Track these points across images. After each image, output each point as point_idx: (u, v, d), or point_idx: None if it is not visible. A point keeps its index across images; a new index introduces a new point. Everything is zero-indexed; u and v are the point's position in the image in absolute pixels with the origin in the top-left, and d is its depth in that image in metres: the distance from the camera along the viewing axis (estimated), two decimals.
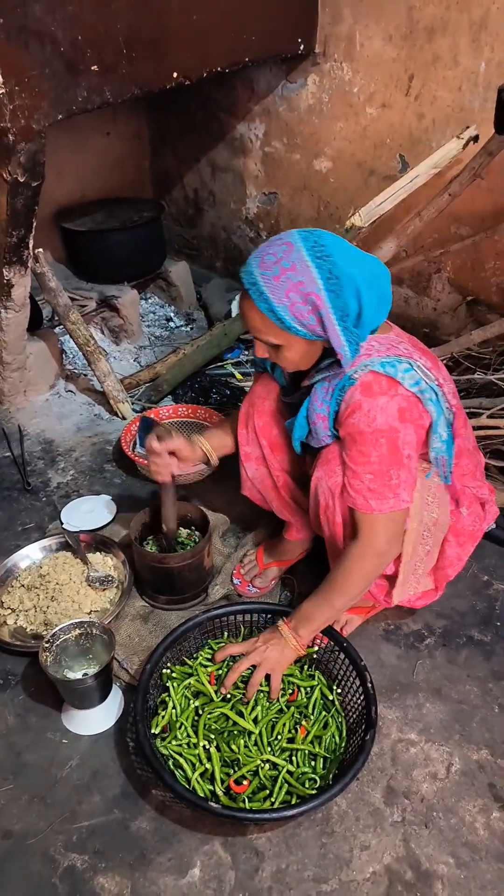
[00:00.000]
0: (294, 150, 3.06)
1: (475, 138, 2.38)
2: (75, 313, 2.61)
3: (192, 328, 3.46)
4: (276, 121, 3.06)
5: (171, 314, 3.51)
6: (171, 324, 3.47)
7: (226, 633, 1.72)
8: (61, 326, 2.99)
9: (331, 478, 1.50)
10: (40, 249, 2.40)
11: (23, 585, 1.92)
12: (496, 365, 2.43)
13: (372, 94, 2.65)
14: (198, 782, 1.41)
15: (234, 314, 3.11)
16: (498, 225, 2.47)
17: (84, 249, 3.19)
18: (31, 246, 2.19)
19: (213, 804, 1.33)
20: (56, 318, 3.00)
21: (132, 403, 2.79)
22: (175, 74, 2.21)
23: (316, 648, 1.67)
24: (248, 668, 1.56)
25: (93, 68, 1.94)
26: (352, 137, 2.80)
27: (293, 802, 1.38)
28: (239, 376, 2.89)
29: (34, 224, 2.11)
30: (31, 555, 2.01)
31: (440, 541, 1.62)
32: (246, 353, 3.03)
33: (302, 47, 2.66)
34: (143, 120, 3.64)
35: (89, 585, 1.90)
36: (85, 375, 3.01)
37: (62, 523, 2.18)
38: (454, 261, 2.72)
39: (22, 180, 1.92)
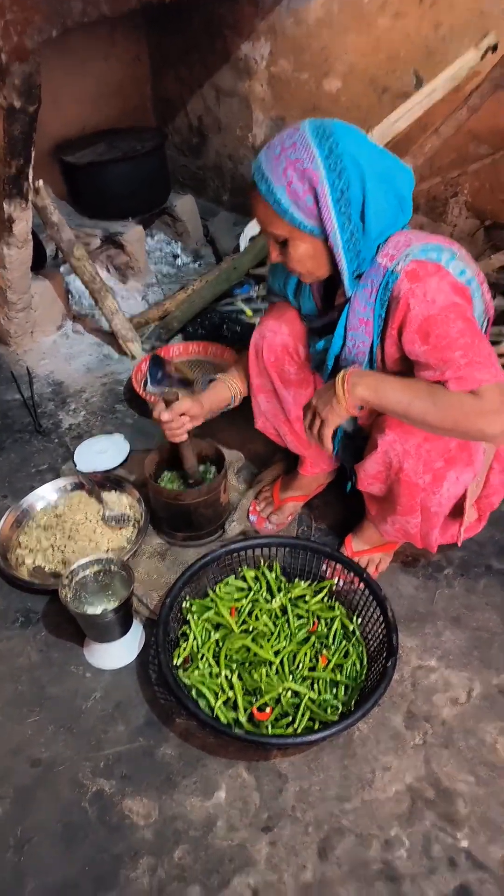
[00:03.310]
0: (302, 68, 2.91)
1: (494, 47, 2.24)
2: (80, 248, 2.53)
3: (199, 264, 3.37)
4: (283, 38, 2.90)
5: (178, 250, 3.41)
6: (179, 260, 3.38)
7: (244, 567, 1.72)
8: (66, 265, 2.92)
9: (408, 440, 1.40)
10: (40, 181, 2.31)
11: (39, 525, 1.92)
12: None
13: (385, 2, 2.49)
14: (221, 710, 1.43)
15: (242, 249, 3.02)
16: None
17: (86, 184, 3.08)
18: (30, 178, 2.11)
19: (236, 730, 1.34)
20: (60, 255, 2.93)
21: (141, 343, 2.73)
22: None
23: (336, 580, 1.67)
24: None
25: None
26: (364, 51, 2.65)
27: (315, 728, 1.40)
28: (249, 313, 2.82)
29: (33, 153, 2.02)
30: (45, 496, 2.01)
31: (487, 469, 1.58)
32: (256, 288, 2.95)
33: None
34: (143, 42, 3.47)
35: (105, 524, 1.90)
36: (92, 316, 2.95)
37: (75, 464, 2.17)
38: (472, 183, 2.60)
39: (18, 105, 1.83)
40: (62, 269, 2.93)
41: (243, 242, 2.99)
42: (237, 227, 3.34)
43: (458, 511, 1.55)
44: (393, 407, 1.33)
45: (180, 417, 1.67)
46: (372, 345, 1.42)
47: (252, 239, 2.97)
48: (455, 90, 2.34)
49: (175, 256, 3.39)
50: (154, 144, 3.13)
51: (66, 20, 1.81)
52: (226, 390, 1.77)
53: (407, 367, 1.37)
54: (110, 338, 2.77)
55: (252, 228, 3.02)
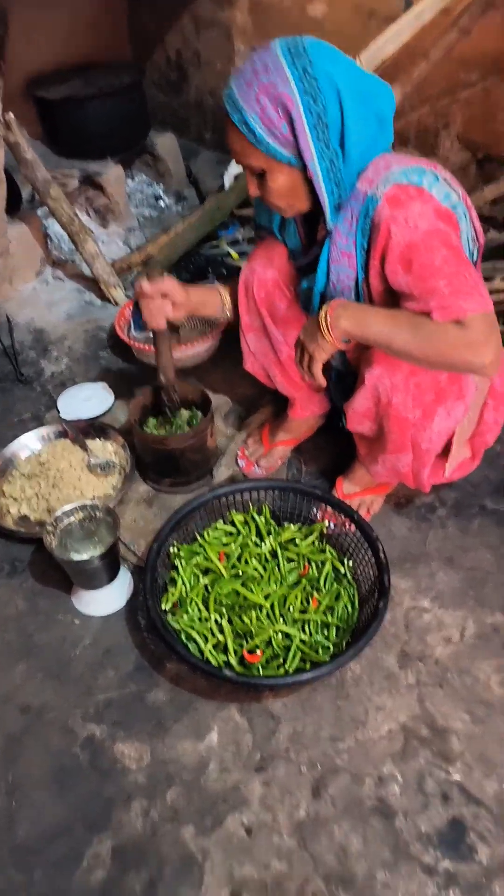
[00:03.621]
0: None
1: None
2: (56, 189, 2.42)
3: (182, 207, 3.25)
4: None
5: (160, 192, 3.28)
6: (161, 203, 3.26)
7: (233, 511, 1.68)
8: (43, 208, 2.80)
9: (395, 373, 1.34)
10: (10, 114, 2.19)
11: (23, 474, 1.87)
12: None
13: None
14: (211, 653, 1.41)
15: (227, 188, 2.90)
16: None
17: (61, 121, 2.94)
18: None
19: (227, 672, 1.32)
20: (36, 198, 2.81)
21: (124, 288, 2.64)
22: None
23: (326, 523, 1.64)
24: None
25: None
26: None
27: (307, 669, 1.38)
28: (235, 255, 2.73)
29: (1, 83, 1.91)
30: (29, 444, 1.96)
31: (481, 405, 1.53)
32: (241, 230, 2.85)
33: None
34: None
35: (90, 472, 1.85)
36: (73, 261, 2.85)
37: (59, 412, 2.11)
38: (463, 113, 2.49)
39: None
40: (39, 212, 2.81)
41: (227, 181, 2.87)
42: (221, 167, 3.21)
43: (450, 449, 1.51)
44: (376, 339, 1.27)
45: (162, 298, 1.55)
46: (357, 278, 1.35)
47: (237, 177, 2.86)
48: (444, 12, 2.21)
49: (157, 198, 3.26)
50: (132, 80, 2.99)
51: None
52: (216, 296, 1.69)
53: (396, 301, 1.30)
54: (92, 284, 2.68)
55: (235, 166, 2.90)
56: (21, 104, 2.94)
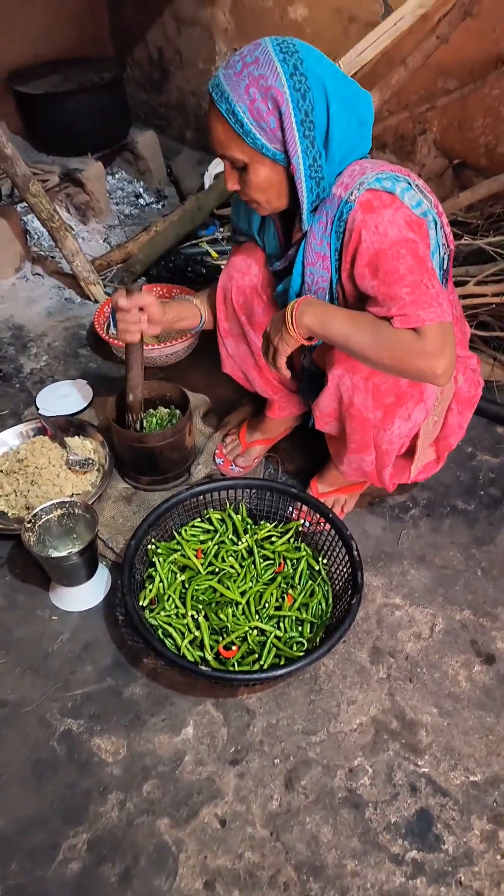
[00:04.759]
0: None
1: None
2: (36, 185, 2.42)
3: (163, 205, 3.26)
4: None
5: (141, 190, 3.29)
6: (141, 201, 3.26)
7: (210, 510, 1.71)
8: (22, 204, 2.79)
9: (355, 374, 1.38)
10: None
11: (1, 471, 1.87)
12: (483, 231, 2.32)
13: None
14: (187, 649, 1.44)
15: (207, 187, 2.92)
16: (487, 75, 2.29)
17: (41, 116, 2.94)
18: None
19: (203, 667, 1.35)
20: (16, 193, 2.80)
21: (104, 286, 2.65)
22: None
23: (302, 521, 1.67)
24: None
25: None
26: None
27: (281, 664, 1.41)
28: (214, 255, 2.74)
29: None
30: (7, 441, 1.96)
31: (445, 409, 1.58)
32: (221, 230, 2.87)
33: None
34: None
35: (69, 469, 1.86)
36: (53, 258, 2.84)
37: (38, 409, 2.12)
38: (441, 120, 2.53)
39: None
40: (19, 208, 2.80)
41: (208, 180, 2.89)
42: (202, 167, 3.23)
43: (414, 451, 1.56)
44: (335, 338, 1.30)
45: (138, 311, 1.54)
46: (331, 280, 1.38)
47: (217, 176, 2.87)
48: (423, 19, 2.25)
49: (137, 196, 3.27)
50: (113, 76, 2.99)
51: None
52: (193, 308, 1.71)
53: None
54: (72, 280, 2.68)
55: (216, 166, 2.92)
56: (0, 98, 2.94)
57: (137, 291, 1.53)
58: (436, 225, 1.31)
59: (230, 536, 1.66)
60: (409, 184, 1.27)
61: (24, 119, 3.04)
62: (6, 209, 2.63)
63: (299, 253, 1.40)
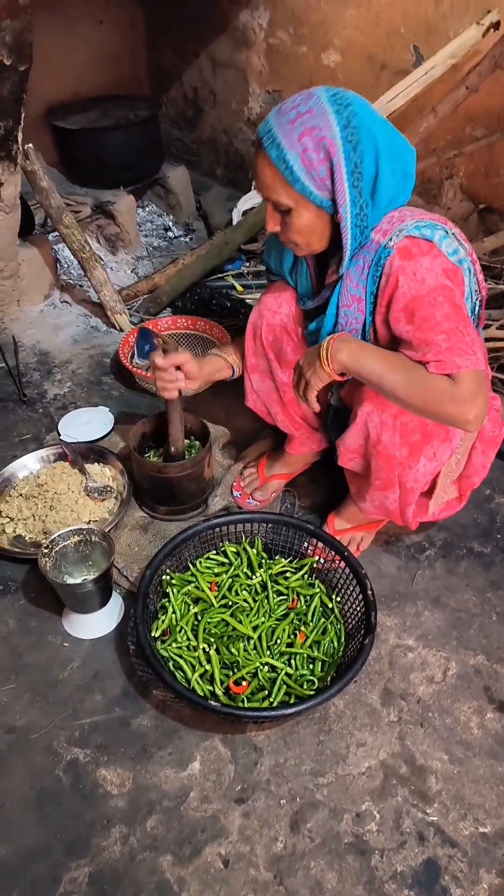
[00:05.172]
0: (300, 41, 2.86)
1: (496, 25, 2.21)
2: (69, 216, 2.49)
3: (191, 238, 3.33)
4: (282, 8, 2.85)
5: (170, 223, 3.37)
6: (170, 234, 3.34)
7: (226, 542, 1.71)
8: (55, 233, 2.87)
9: (384, 411, 1.39)
10: (30, 145, 2.26)
11: (21, 495, 1.90)
12: None
13: None
14: (198, 683, 1.43)
15: (234, 223, 2.98)
16: None
17: (77, 150, 3.03)
18: (19, 140, 2.06)
19: (212, 702, 1.34)
20: (49, 223, 2.88)
21: (130, 315, 2.70)
22: None
23: (317, 558, 1.67)
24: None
25: None
26: (363, 26, 2.61)
27: (291, 702, 1.40)
28: (240, 288, 2.79)
29: (22, 114, 1.98)
30: (28, 465, 1.99)
31: (468, 448, 1.58)
32: (247, 264, 2.92)
33: None
34: (138, 8, 3.39)
35: (88, 495, 1.88)
36: (81, 286, 2.91)
37: (59, 434, 2.15)
38: (467, 165, 2.58)
39: (8, 63, 1.78)
40: (51, 237, 2.88)
41: (236, 216, 2.95)
42: (230, 203, 3.30)
43: (433, 489, 1.56)
44: (368, 376, 1.32)
45: (175, 370, 1.61)
46: (365, 322, 1.40)
47: (245, 213, 2.93)
48: (453, 69, 2.31)
49: (166, 229, 3.34)
50: (148, 113, 3.08)
51: None
52: (223, 362, 1.75)
53: (398, 347, 1.36)
54: (98, 309, 2.73)
55: (245, 202, 2.98)
56: (39, 131, 3.04)
57: (173, 350, 1.58)
58: (470, 272, 1.33)
59: (244, 570, 1.66)
60: (447, 232, 1.29)
61: (60, 152, 3.13)
62: (39, 238, 2.70)
63: (334, 294, 1.42)
